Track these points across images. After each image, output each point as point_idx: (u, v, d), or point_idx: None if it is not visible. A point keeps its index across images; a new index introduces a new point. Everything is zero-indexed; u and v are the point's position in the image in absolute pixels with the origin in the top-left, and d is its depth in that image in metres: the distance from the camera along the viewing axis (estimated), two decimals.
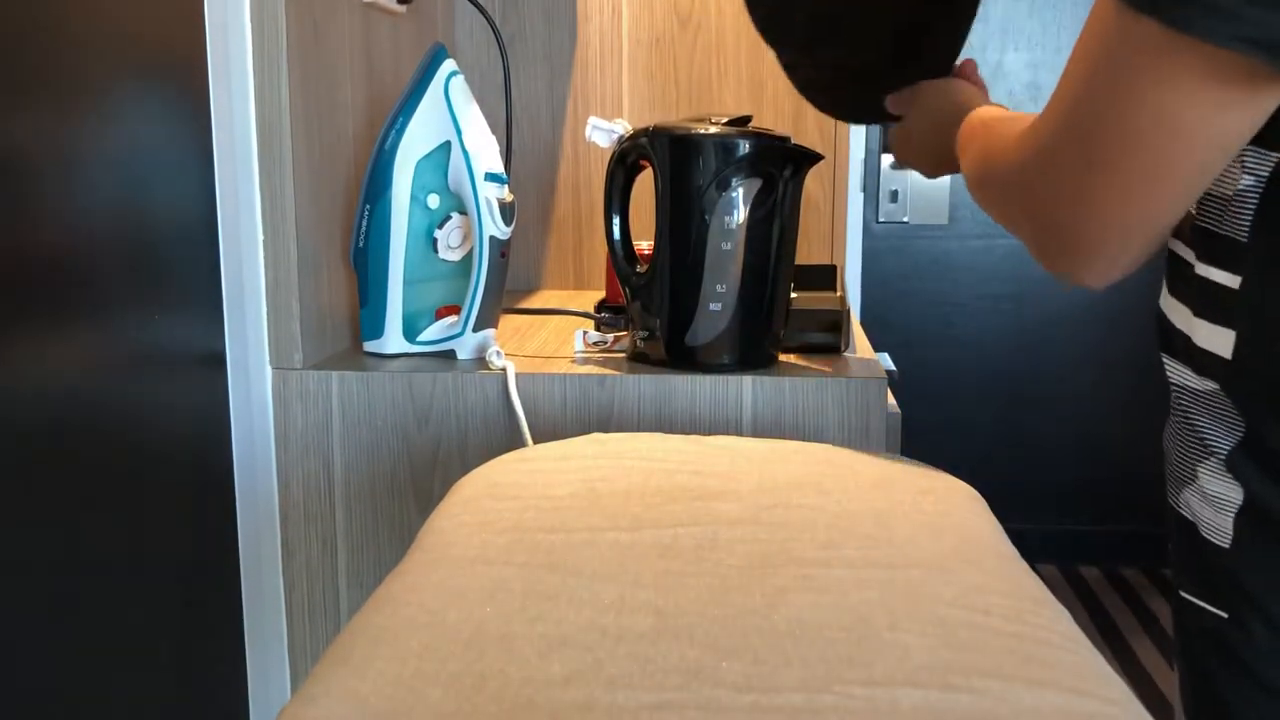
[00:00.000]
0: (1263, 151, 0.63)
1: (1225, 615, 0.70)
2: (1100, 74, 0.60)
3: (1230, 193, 0.65)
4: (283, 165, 1.09)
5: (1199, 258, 0.69)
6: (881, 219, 3.12)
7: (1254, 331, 0.66)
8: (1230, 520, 0.69)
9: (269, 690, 1.16)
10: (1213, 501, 0.70)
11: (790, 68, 1.08)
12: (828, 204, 1.72)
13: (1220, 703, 0.71)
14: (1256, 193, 0.64)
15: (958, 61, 1.02)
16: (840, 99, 1.10)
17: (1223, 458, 0.69)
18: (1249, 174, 0.64)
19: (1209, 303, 0.68)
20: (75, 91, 0.85)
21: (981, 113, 0.87)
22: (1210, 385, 0.69)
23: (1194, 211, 0.69)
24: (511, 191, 1.21)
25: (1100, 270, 0.67)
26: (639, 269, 1.16)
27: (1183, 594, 0.74)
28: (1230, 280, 0.66)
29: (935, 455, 3.19)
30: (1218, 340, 0.68)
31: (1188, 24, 0.55)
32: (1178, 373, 0.73)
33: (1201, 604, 0.72)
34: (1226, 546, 0.69)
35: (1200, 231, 0.68)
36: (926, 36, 1.00)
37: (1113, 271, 0.67)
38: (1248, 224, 0.65)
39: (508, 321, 1.43)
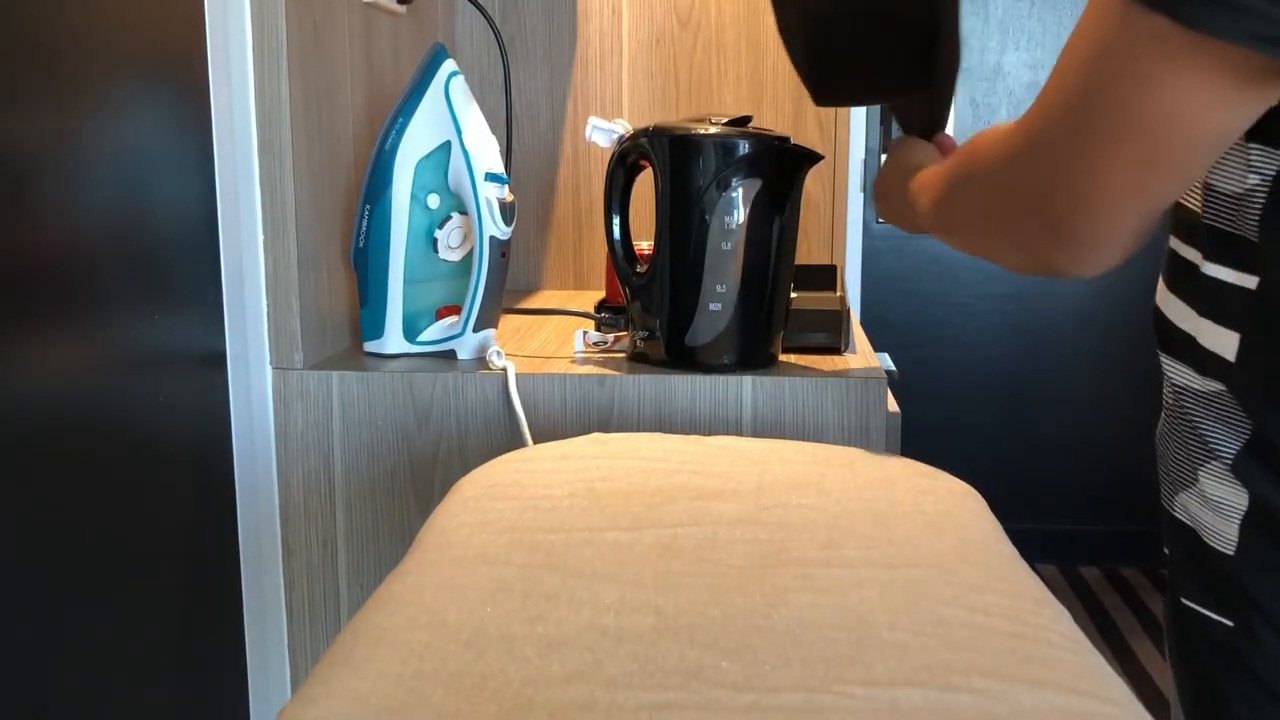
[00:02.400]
0: (1269, 150, 0.63)
1: (1231, 624, 0.69)
2: (1101, 67, 0.59)
3: (1240, 191, 0.65)
4: (283, 165, 1.09)
5: (1207, 257, 0.68)
6: (881, 219, 3.12)
7: (1266, 333, 0.65)
8: (1235, 526, 0.68)
9: (269, 690, 1.16)
10: (1215, 506, 0.69)
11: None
12: (828, 204, 1.72)
13: (1227, 712, 0.70)
14: (1264, 191, 0.63)
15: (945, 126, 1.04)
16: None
17: (1227, 461, 0.68)
18: (1255, 173, 0.63)
19: (1217, 303, 0.67)
20: (75, 91, 0.85)
21: (934, 167, 0.88)
22: (1215, 386, 0.68)
23: (1201, 210, 0.68)
24: (511, 191, 1.21)
25: (1094, 259, 0.65)
26: (639, 269, 1.16)
27: (1184, 601, 0.73)
28: (1241, 280, 0.65)
29: (935, 455, 3.19)
30: (1223, 341, 0.67)
31: (1202, 21, 0.53)
32: (1178, 373, 0.72)
33: (1206, 612, 0.70)
34: (1231, 553, 0.68)
35: (1210, 231, 0.67)
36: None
37: (1105, 260, 0.65)
38: (1257, 223, 0.64)
39: (508, 321, 1.43)
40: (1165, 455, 0.74)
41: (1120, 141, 0.59)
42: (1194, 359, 0.70)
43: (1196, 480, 0.70)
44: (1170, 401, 0.74)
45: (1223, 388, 0.68)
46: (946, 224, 0.82)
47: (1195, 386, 0.70)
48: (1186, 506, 0.72)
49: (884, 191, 1.02)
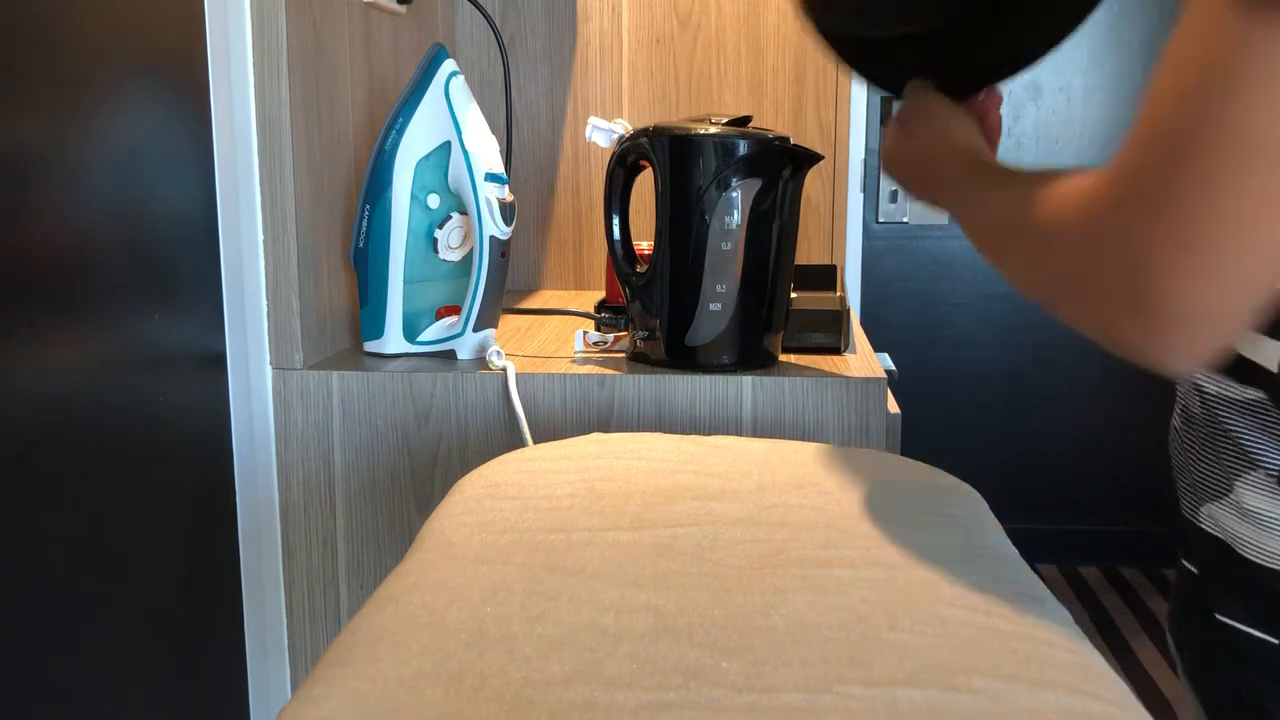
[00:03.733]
0: None
1: (1276, 641, 0.66)
2: (1219, 88, 0.49)
3: None
4: (283, 165, 1.09)
5: None
6: (881, 219, 3.12)
7: None
8: (1277, 539, 0.65)
9: (269, 690, 1.16)
10: (1255, 518, 0.67)
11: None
12: (828, 204, 1.72)
13: None
14: None
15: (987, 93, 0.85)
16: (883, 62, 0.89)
17: (1272, 471, 0.66)
18: None
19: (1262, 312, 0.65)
20: (75, 91, 0.85)
21: (989, 161, 0.70)
22: (1255, 394, 0.66)
23: None
24: (511, 191, 1.21)
25: (1205, 339, 0.53)
26: (639, 269, 1.16)
27: (1219, 617, 0.70)
28: None
29: (935, 455, 3.19)
30: (1265, 350, 0.65)
31: None
32: (1212, 382, 0.70)
33: (1245, 629, 0.68)
34: (1274, 567, 0.66)
35: None
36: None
37: (1216, 339, 0.54)
38: None
39: (508, 321, 1.43)
40: (1188, 466, 0.72)
41: (1250, 170, 0.48)
42: (1232, 367, 0.68)
43: (1231, 490, 0.68)
44: (1198, 411, 0.72)
45: (1264, 395, 0.66)
46: (1009, 267, 0.66)
47: (1234, 395, 0.68)
48: (1216, 518, 0.70)
49: (912, 163, 0.82)
